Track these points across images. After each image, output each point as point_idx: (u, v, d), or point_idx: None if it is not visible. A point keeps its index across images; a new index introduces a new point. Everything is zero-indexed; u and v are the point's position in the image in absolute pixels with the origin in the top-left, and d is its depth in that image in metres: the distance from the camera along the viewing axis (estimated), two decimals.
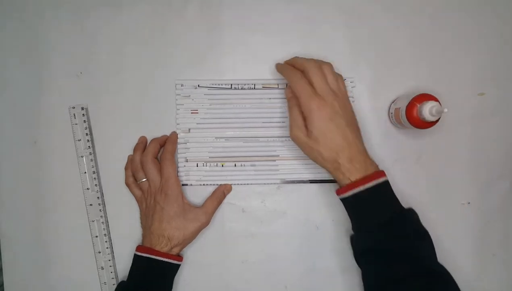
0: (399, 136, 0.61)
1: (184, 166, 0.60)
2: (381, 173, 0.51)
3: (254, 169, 0.61)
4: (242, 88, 0.60)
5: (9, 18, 0.60)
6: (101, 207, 0.60)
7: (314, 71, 0.52)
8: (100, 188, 0.60)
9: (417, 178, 0.60)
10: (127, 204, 0.60)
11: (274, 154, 0.61)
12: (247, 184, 0.61)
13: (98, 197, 0.60)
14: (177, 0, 0.60)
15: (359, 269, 0.61)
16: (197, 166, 0.60)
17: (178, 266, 0.57)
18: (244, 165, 0.61)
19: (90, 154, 0.60)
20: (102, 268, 0.60)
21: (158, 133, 0.60)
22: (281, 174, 0.61)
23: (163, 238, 0.55)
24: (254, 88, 0.60)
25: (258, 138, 0.61)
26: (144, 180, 0.57)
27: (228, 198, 0.61)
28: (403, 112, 0.55)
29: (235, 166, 0.61)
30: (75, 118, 0.60)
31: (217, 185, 0.61)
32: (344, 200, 0.52)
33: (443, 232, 0.60)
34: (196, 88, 0.60)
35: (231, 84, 0.60)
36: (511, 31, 0.61)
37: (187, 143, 0.60)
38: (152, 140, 0.59)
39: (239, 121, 0.60)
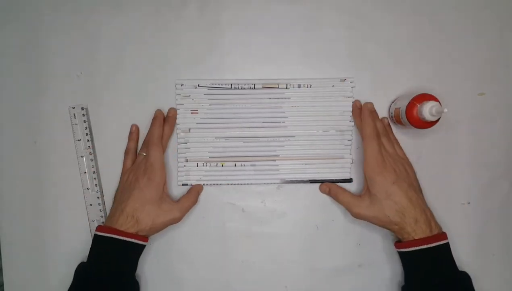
0: (399, 136, 0.60)
1: (184, 165, 0.60)
2: (444, 235, 0.54)
3: (254, 169, 0.61)
4: (242, 88, 0.60)
5: (9, 18, 0.60)
6: (101, 207, 0.60)
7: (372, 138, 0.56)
8: (100, 187, 0.60)
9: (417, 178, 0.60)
10: None
11: (274, 153, 0.61)
12: (247, 184, 0.61)
13: (98, 197, 0.60)
14: (177, 0, 0.60)
15: (358, 269, 0.61)
16: (197, 165, 0.60)
17: (143, 246, 0.55)
18: (244, 165, 0.61)
19: (90, 154, 0.60)
20: None
21: None
22: (281, 173, 0.61)
23: (132, 218, 0.53)
24: (254, 88, 0.60)
25: (258, 138, 0.61)
26: (144, 154, 0.57)
27: (228, 198, 0.61)
28: (403, 112, 0.55)
29: (235, 165, 0.61)
30: (75, 118, 0.60)
31: (216, 184, 0.61)
32: (402, 254, 0.55)
33: None
34: (196, 88, 0.60)
35: (231, 84, 0.60)
36: (511, 31, 0.61)
37: (187, 143, 0.60)
38: (156, 122, 0.58)
39: (239, 121, 0.60)
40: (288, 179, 0.61)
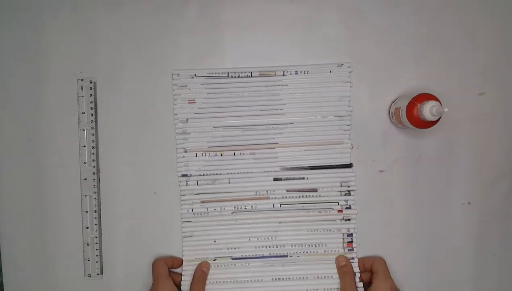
0: (399, 136, 0.61)
1: (183, 156, 0.60)
2: None
3: (253, 157, 0.60)
4: (239, 77, 0.60)
5: (9, 18, 0.60)
6: (95, 183, 0.60)
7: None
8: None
9: (417, 178, 0.60)
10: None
11: (273, 141, 0.60)
12: (247, 172, 0.60)
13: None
14: (177, 0, 0.60)
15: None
16: (196, 155, 0.60)
17: None
18: (243, 153, 0.60)
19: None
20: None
21: (157, 132, 0.60)
22: (280, 161, 0.60)
23: None
24: (251, 76, 0.60)
25: (256, 126, 0.60)
26: None
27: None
28: (404, 112, 0.55)
29: (234, 155, 0.60)
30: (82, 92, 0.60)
31: (216, 174, 0.60)
32: None
33: (443, 232, 0.60)
34: (192, 77, 0.60)
35: (228, 73, 0.60)
36: (511, 31, 0.61)
37: (186, 134, 0.60)
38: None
39: (237, 110, 0.60)
40: (288, 166, 0.60)
